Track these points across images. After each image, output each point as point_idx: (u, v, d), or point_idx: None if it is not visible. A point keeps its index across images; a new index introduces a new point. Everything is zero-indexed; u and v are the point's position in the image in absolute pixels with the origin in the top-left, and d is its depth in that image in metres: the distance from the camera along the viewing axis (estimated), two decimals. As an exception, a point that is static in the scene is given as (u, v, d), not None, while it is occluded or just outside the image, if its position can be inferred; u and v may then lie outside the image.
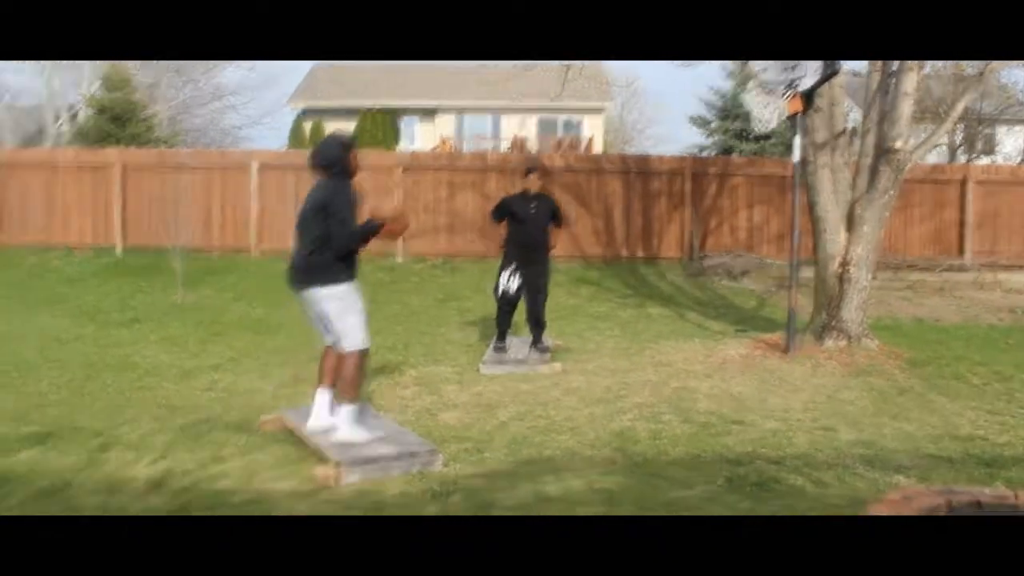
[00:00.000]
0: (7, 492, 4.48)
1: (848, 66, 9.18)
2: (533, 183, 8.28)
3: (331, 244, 5.02)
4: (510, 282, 8.12)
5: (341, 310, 5.13)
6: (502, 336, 8.30)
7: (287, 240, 15.05)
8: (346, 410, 5.14)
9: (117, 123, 22.48)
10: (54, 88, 28.20)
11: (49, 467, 4.91)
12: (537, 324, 8.24)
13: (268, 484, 4.67)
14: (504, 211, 8.28)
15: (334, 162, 5.16)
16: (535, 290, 8.21)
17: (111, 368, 7.75)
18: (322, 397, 5.32)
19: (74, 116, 26.58)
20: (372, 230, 5.07)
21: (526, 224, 8.15)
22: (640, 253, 15.25)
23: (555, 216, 8.44)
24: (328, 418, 5.27)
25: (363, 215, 5.17)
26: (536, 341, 8.24)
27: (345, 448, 4.93)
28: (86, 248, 15.11)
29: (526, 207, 8.20)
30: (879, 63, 8.69)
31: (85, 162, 15.66)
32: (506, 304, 8.23)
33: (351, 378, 5.15)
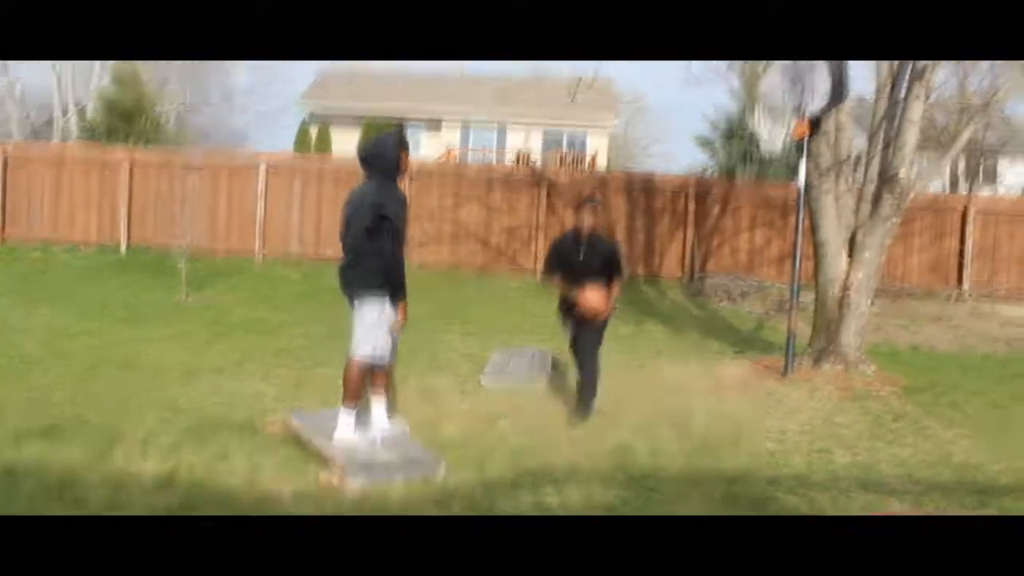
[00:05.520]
0: (15, 483, 4.56)
1: (854, 92, 9.25)
2: (587, 219, 6.55)
3: (383, 251, 5.09)
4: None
5: (376, 320, 5.19)
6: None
7: (291, 244, 15.28)
8: (346, 413, 5.27)
9: (125, 119, 22.56)
10: (64, 81, 28.34)
11: (56, 460, 4.98)
12: (592, 393, 6.57)
13: (274, 485, 4.74)
14: (556, 259, 6.66)
15: (393, 164, 5.22)
16: (585, 355, 6.60)
17: (116, 365, 7.82)
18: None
19: (82, 111, 26.67)
20: (402, 293, 5.20)
21: (576, 274, 6.44)
22: (640, 271, 15.33)
23: (610, 265, 6.56)
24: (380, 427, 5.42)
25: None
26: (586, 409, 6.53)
27: (350, 453, 5.01)
28: (91, 245, 15.18)
29: (575, 253, 6.50)
30: (886, 90, 8.79)
31: (93, 159, 15.76)
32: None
33: (354, 385, 5.27)
